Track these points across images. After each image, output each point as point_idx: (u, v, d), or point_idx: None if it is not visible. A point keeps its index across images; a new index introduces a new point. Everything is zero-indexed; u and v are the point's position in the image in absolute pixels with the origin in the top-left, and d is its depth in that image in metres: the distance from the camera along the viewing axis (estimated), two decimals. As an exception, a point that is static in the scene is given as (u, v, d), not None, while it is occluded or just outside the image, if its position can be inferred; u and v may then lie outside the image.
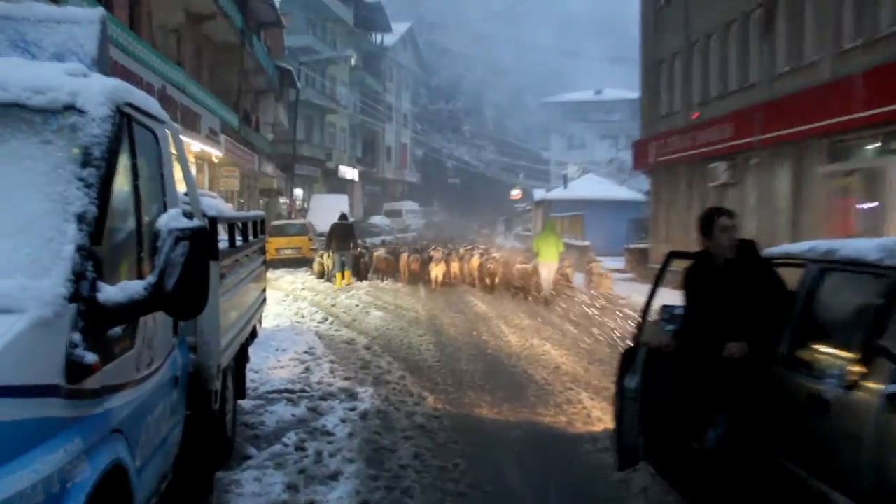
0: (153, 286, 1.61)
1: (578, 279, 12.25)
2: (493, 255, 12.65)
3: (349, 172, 36.05)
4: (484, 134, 59.34)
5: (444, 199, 55.69)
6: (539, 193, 26.47)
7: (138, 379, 1.80)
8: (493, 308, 9.66)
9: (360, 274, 12.61)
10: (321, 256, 13.18)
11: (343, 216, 13.25)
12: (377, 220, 35.58)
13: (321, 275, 13.01)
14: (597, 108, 50.23)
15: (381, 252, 13.46)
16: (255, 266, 4.39)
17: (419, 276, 12.34)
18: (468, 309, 9.51)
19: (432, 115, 53.70)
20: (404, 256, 12.59)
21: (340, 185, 35.20)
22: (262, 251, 4.78)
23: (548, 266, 10.51)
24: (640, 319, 3.02)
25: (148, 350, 1.90)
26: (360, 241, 14.56)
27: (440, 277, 11.74)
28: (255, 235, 4.45)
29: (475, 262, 11.89)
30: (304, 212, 28.01)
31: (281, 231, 16.03)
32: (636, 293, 10.64)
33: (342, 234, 12.48)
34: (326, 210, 22.28)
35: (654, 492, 3.06)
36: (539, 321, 8.45)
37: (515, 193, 43.09)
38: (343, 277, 12.16)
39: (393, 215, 37.94)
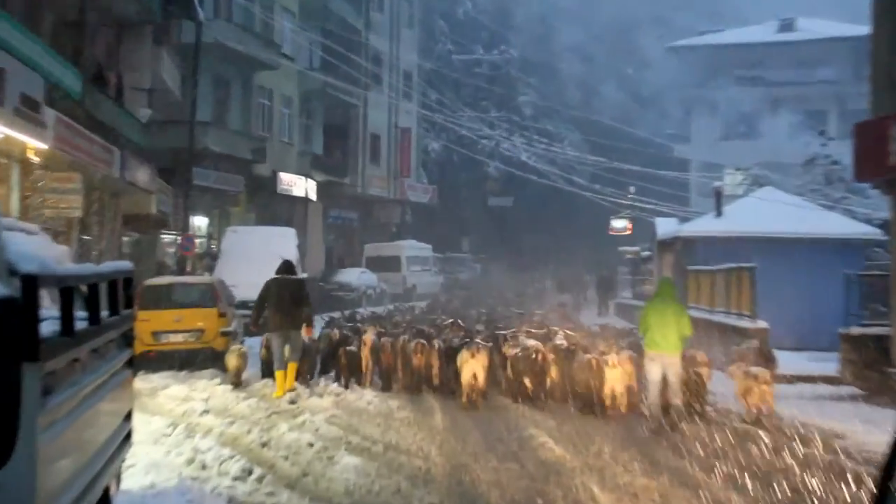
0: None
1: (718, 385, 12.91)
2: (559, 339, 13.77)
3: (298, 185, 37.05)
4: (559, 113, 60.67)
5: (482, 237, 57.11)
6: (666, 225, 26.57)
7: None
8: (572, 447, 9.74)
9: (342, 372, 13.73)
10: (263, 344, 14.26)
11: (288, 266, 13.97)
12: (352, 275, 36.24)
13: (239, 380, 13.97)
14: (781, 59, 50.84)
15: (369, 334, 14.50)
16: (113, 369, 4.51)
17: (430, 380, 13.45)
18: (524, 450, 9.75)
19: (459, 74, 55.58)
20: (401, 344, 13.69)
21: (282, 210, 36.29)
22: (127, 340, 4.97)
23: (663, 362, 11.19)
24: (878, 488, 2.74)
25: None
26: (338, 317, 15.48)
27: (480, 382, 12.36)
28: (115, 310, 4.60)
29: (508, 349, 12.80)
30: (209, 260, 28.81)
31: (163, 299, 16.19)
32: (866, 426, 10.99)
33: (287, 299, 13.32)
34: (254, 256, 22.95)
35: None
36: (673, 481, 8.34)
37: (620, 226, 43.56)
38: (286, 380, 13.07)
39: (382, 266, 38.92)
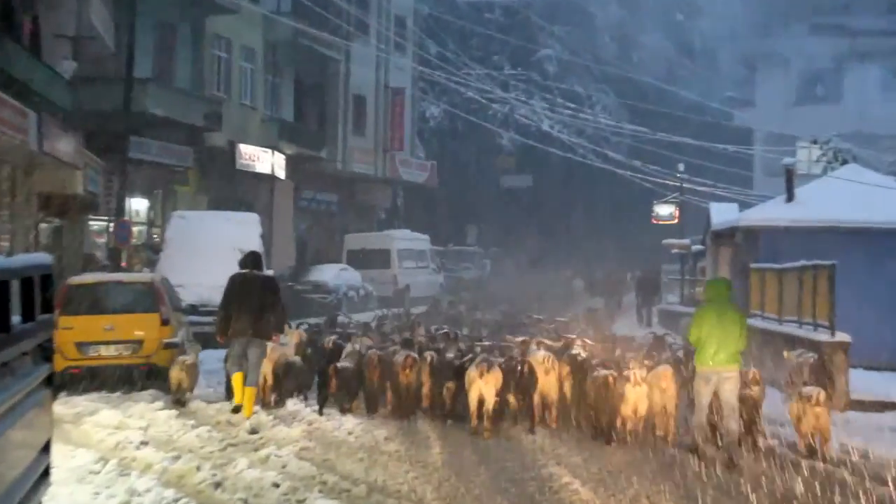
0: None
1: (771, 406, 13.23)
2: (577, 349, 14.44)
3: (263, 160, 37.13)
4: (589, 70, 60.38)
5: (493, 226, 57.06)
6: (724, 213, 26.55)
7: None
8: (603, 490, 9.74)
9: (330, 394, 14.02)
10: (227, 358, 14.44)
11: (255, 259, 14.47)
12: (329, 273, 36.38)
13: (183, 399, 14.37)
14: (869, 1, 50.55)
15: (355, 346, 15.09)
16: (26, 389, 4.52)
17: (425, 401, 13.98)
18: (543, 493, 9.79)
19: (466, 21, 55.34)
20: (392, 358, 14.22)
21: (242, 191, 36.39)
22: (45, 353, 4.99)
23: (720, 377, 11.73)
24: None
25: None
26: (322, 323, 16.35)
27: (489, 405, 12.75)
28: (29, 315, 4.62)
29: (512, 364, 13.31)
30: (149, 252, 28.86)
31: (91, 302, 16.19)
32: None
33: (253, 301, 13.85)
34: (206, 249, 23.14)
35: None
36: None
37: (666, 213, 43.52)
38: (245, 402, 13.49)
39: (367, 262, 39.15)
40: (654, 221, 43.87)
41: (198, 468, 10.16)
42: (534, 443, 12.25)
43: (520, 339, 15.96)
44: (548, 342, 15.49)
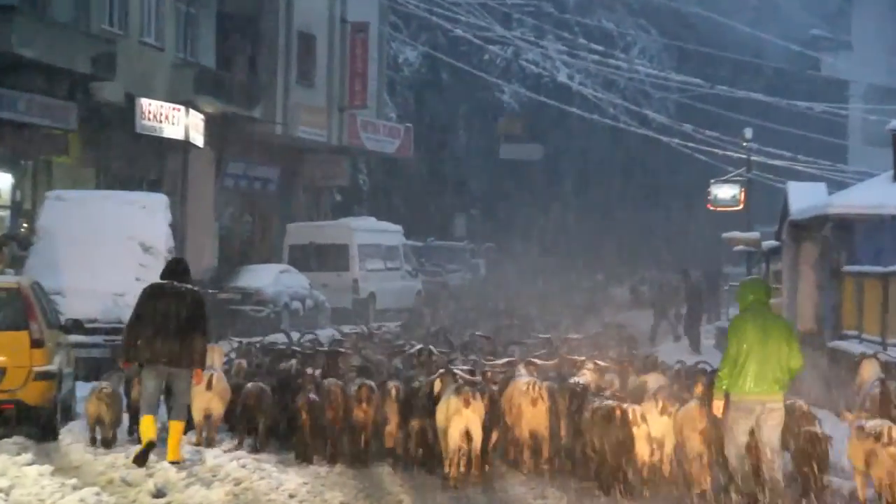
0: None
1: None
2: (588, 372, 15.53)
3: (174, 121, 36.88)
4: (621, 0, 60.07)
5: (488, 213, 56.47)
6: (807, 195, 26.57)
7: None
8: None
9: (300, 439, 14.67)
10: (101, 394, 15.38)
11: (182, 268, 15.43)
12: (264, 277, 36.32)
13: (109, 435, 15.30)
14: None
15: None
16: None
17: (389, 441, 14.73)
18: None
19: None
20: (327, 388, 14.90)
21: (145, 164, 36.09)
22: None
23: (759, 411, 12.20)
24: None
25: None
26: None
27: (476, 444, 13.40)
28: None
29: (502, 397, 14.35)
30: (14, 247, 28.35)
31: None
32: None
33: (176, 320, 14.60)
34: (95, 242, 23.12)
35: None
36: None
37: (727, 196, 43.50)
38: (169, 447, 14.17)
39: (317, 262, 39.33)
40: (711, 208, 43.76)
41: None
42: (531, 491, 12.71)
43: (503, 360, 16.44)
44: (539, 363, 15.87)
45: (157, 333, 14.38)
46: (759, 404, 12.08)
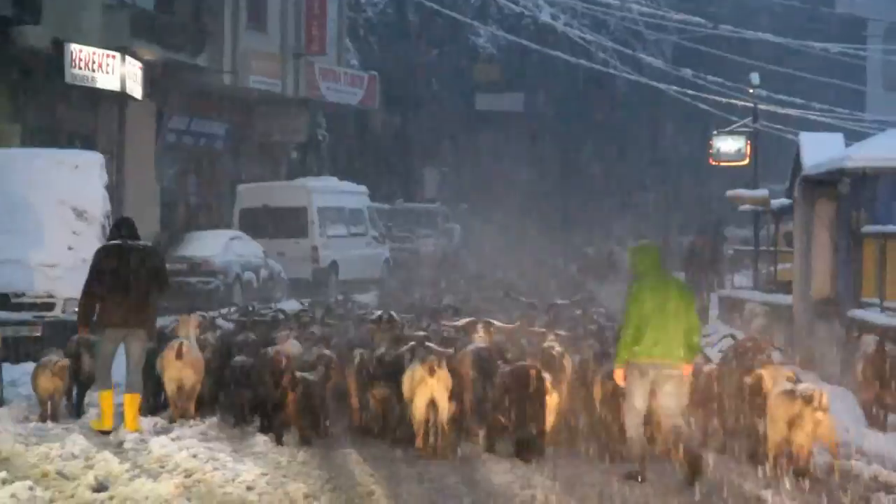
0: None
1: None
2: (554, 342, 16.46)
3: (107, 70, 36.61)
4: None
5: (464, 171, 56.36)
6: (822, 148, 26.63)
7: None
8: None
9: (290, 422, 15.25)
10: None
11: (129, 227, 16.32)
12: (212, 245, 36.40)
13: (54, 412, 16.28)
14: None
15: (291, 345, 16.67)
16: None
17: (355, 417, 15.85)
18: None
19: None
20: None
21: (75, 118, 35.99)
22: None
23: (660, 375, 13.49)
24: None
25: None
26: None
27: (442, 414, 14.41)
28: None
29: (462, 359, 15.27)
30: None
31: None
32: None
33: (134, 280, 15.66)
34: (21, 207, 23.07)
35: None
36: None
37: (732, 150, 43.53)
38: (127, 416, 15.38)
39: (272, 227, 39.43)
40: (714, 162, 43.88)
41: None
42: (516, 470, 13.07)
43: (462, 321, 17.40)
44: (498, 324, 17.06)
45: (115, 295, 15.44)
46: (653, 368, 13.29)
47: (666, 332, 13.36)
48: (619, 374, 13.65)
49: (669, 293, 13.57)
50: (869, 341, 17.17)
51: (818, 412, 13.26)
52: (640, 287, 13.70)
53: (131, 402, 15.43)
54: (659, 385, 13.36)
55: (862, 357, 16.87)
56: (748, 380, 14.75)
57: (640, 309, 13.44)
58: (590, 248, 46.47)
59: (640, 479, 13.18)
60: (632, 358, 13.44)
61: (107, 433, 15.31)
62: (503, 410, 14.44)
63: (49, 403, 16.16)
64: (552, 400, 14.59)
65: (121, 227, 16.14)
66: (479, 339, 16.10)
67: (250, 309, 23.29)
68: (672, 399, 13.40)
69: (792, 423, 13.35)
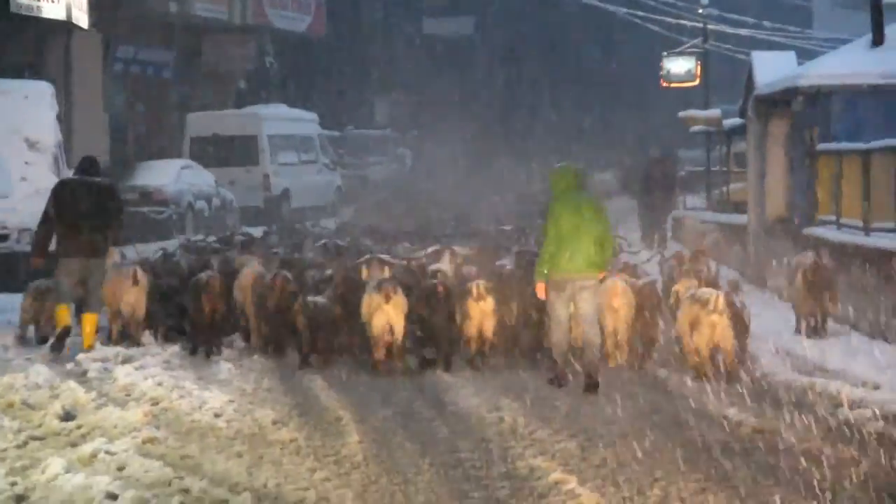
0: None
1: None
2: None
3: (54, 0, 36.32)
4: None
5: (413, 98, 56.23)
6: (774, 67, 26.59)
7: None
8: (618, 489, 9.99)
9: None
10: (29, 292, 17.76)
11: (92, 164, 17.31)
12: (163, 175, 36.11)
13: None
14: None
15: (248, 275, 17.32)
16: None
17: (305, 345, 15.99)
18: (524, 498, 10.05)
19: None
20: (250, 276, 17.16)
21: (21, 49, 35.36)
22: None
23: (576, 287, 14.69)
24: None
25: None
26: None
27: (397, 335, 15.56)
28: None
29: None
30: None
31: None
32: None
33: (89, 214, 16.68)
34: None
35: None
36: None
37: (682, 71, 43.56)
38: (85, 336, 16.62)
39: (223, 156, 39.49)
40: (665, 84, 43.91)
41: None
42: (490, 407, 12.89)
43: (429, 249, 18.94)
44: (461, 251, 18.75)
45: (71, 228, 16.37)
46: (570, 282, 14.39)
47: (580, 246, 14.29)
48: (540, 288, 14.62)
49: (583, 210, 14.47)
50: (807, 255, 17.92)
51: (713, 314, 14.33)
52: (556, 206, 14.61)
53: (89, 321, 16.45)
54: (576, 295, 14.45)
55: (799, 269, 17.44)
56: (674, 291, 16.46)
57: (557, 226, 14.36)
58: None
59: (559, 385, 14.31)
60: (551, 274, 14.40)
61: (58, 346, 16.13)
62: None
63: (30, 327, 17.44)
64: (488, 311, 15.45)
65: (86, 165, 17.02)
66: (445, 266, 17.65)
67: (228, 234, 24.35)
68: (588, 305, 14.52)
69: (692, 326, 14.56)
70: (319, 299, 15.88)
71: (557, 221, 14.41)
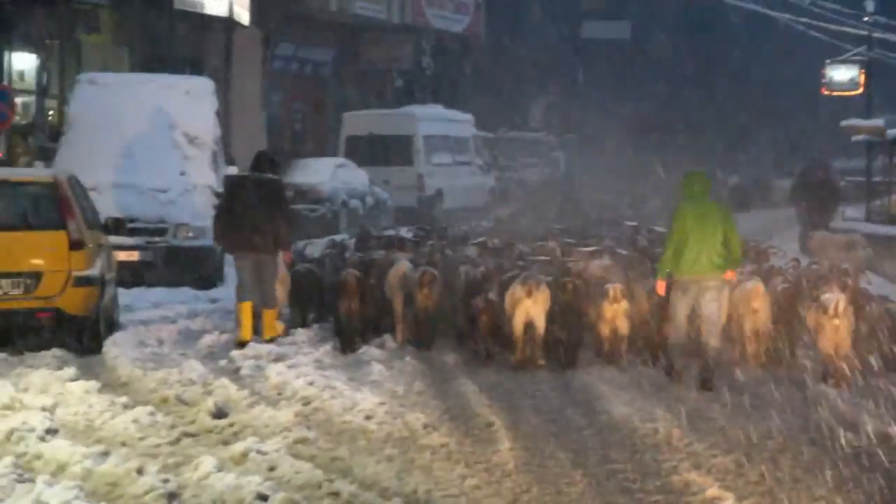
0: None
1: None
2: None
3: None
4: None
5: (570, 101, 56.13)
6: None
7: None
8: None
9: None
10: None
11: (267, 161, 18.04)
12: (319, 173, 36.16)
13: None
14: None
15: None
16: None
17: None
18: None
19: None
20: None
21: (184, 44, 36.12)
22: None
23: (700, 287, 15.01)
24: None
25: None
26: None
27: (539, 331, 15.85)
28: None
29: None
30: (41, 137, 28.77)
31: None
32: None
33: (257, 209, 17.21)
34: (134, 133, 23.28)
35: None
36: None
37: (845, 79, 42.93)
38: (264, 330, 17.23)
39: (378, 155, 39.40)
40: (826, 92, 43.33)
41: (138, 471, 10.19)
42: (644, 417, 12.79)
43: (589, 249, 19.45)
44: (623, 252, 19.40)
45: (239, 223, 17.08)
46: (694, 283, 14.78)
47: (704, 248, 14.65)
48: (660, 286, 15.19)
49: (709, 213, 14.91)
50: None
51: (834, 319, 14.77)
52: (683, 207, 15.02)
53: (269, 317, 17.00)
54: (700, 295, 14.82)
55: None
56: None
57: (682, 227, 14.76)
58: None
59: (672, 375, 14.88)
60: (675, 275, 14.94)
61: (242, 344, 16.41)
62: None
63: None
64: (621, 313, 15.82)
65: (259, 162, 17.66)
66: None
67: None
68: (711, 304, 14.87)
69: (818, 332, 15.15)
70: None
71: (683, 222, 14.81)
